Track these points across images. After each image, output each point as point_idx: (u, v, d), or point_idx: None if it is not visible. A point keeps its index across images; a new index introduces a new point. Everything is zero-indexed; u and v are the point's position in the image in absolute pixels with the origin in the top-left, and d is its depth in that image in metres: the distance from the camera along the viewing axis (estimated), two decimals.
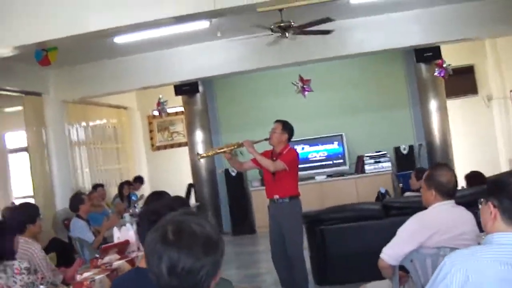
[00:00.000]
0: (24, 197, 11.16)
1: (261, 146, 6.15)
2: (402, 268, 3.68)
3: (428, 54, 9.75)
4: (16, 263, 3.77)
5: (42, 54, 6.57)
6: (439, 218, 3.51)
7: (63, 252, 6.94)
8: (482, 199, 2.42)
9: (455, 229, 3.45)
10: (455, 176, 3.58)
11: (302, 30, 7.33)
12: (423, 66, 10.30)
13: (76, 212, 7.12)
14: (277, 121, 6.20)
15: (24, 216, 4.49)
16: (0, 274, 3.70)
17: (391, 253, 3.51)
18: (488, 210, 2.35)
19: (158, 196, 4.72)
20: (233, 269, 8.46)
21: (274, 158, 6.00)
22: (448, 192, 3.55)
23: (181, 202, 3.56)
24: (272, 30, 7.24)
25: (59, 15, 5.69)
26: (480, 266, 2.25)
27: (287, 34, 7.27)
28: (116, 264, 3.87)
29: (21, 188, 11.25)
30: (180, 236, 1.79)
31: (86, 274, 3.26)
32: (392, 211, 6.21)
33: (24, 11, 5.75)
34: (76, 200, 7.19)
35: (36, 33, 5.78)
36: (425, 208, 3.64)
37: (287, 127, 6.12)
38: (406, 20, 8.90)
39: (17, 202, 11.49)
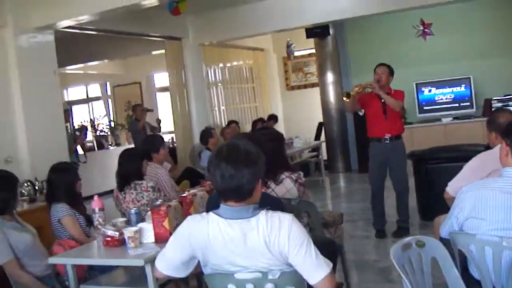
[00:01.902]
0: (170, 132, 12.38)
1: None
2: None
3: None
4: (144, 182, 4.66)
5: (173, 5, 7.38)
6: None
7: (195, 179, 7.85)
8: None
9: None
10: None
11: None
12: None
13: (205, 144, 8.02)
14: (382, 64, 6.50)
15: (149, 146, 5.38)
16: (131, 190, 4.61)
17: (455, 187, 3.91)
18: (504, 148, 2.77)
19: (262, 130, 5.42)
20: (353, 202, 9.13)
21: (382, 100, 6.40)
22: None
23: (270, 136, 4.21)
24: None
25: None
26: (487, 194, 2.70)
27: None
28: None
29: (167, 123, 12.41)
30: (229, 153, 2.48)
31: (192, 191, 4.01)
32: None
33: None
34: (205, 134, 8.09)
35: None
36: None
37: (392, 70, 6.46)
38: None
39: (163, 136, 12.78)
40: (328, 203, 9.50)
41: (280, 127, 12.17)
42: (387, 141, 6.45)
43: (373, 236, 6.64)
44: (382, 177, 6.60)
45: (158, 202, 4.02)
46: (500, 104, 10.48)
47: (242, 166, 2.43)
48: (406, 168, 6.59)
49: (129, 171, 4.62)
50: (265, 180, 4.02)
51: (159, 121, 11.09)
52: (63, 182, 4.28)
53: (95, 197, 3.68)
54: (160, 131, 10.83)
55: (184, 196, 3.78)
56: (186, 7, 7.59)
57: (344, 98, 6.46)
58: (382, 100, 6.38)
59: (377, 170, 6.57)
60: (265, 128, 5.50)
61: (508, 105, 10.33)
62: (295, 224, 2.45)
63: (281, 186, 4.04)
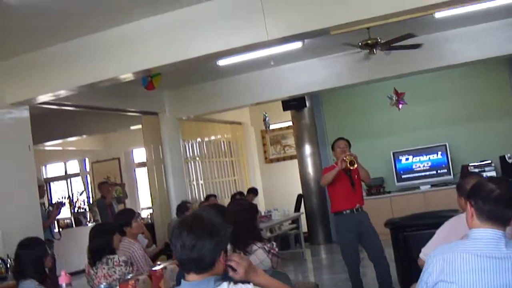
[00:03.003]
0: (148, 208, 12.31)
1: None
2: None
3: None
4: (116, 257, 4.58)
5: (147, 80, 7.49)
6: None
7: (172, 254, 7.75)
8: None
9: None
10: None
11: (390, 46, 7.67)
12: None
13: None
14: (341, 138, 6.70)
15: (120, 220, 5.33)
16: (103, 265, 4.53)
17: (427, 252, 3.89)
18: (469, 210, 2.77)
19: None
20: (334, 273, 9.02)
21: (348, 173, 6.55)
22: None
23: (241, 207, 4.20)
24: (360, 47, 7.66)
25: (163, 44, 6.30)
26: (455, 257, 2.67)
27: (375, 51, 7.64)
28: None
29: (147, 199, 12.35)
30: (192, 223, 2.46)
31: (163, 264, 3.94)
32: None
33: (140, 40, 6.40)
34: (181, 208, 8.03)
35: (147, 61, 6.47)
36: None
37: (349, 143, 6.66)
38: (501, 29, 8.51)
39: (143, 212, 12.69)
40: (310, 274, 9.40)
41: (260, 200, 12.13)
42: (358, 212, 6.55)
43: None
44: (357, 250, 6.64)
45: (129, 277, 3.94)
46: (477, 170, 10.55)
47: (204, 236, 2.39)
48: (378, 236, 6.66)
49: (100, 246, 4.54)
50: (236, 251, 3.98)
51: (123, 185, 11.07)
52: (31, 258, 4.20)
53: (62, 272, 3.60)
54: (127, 197, 10.77)
55: (154, 270, 3.71)
56: (160, 82, 7.69)
57: (351, 167, 6.41)
58: (348, 173, 6.50)
59: (352, 243, 6.57)
60: (239, 200, 5.51)
61: (484, 171, 10.41)
62: None
63: (253, 257, 3.99)
